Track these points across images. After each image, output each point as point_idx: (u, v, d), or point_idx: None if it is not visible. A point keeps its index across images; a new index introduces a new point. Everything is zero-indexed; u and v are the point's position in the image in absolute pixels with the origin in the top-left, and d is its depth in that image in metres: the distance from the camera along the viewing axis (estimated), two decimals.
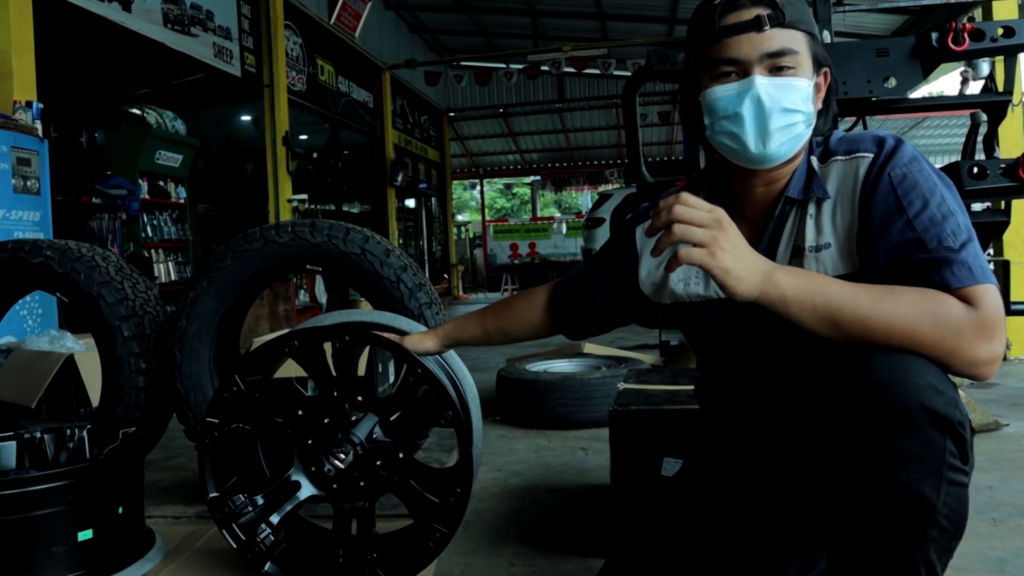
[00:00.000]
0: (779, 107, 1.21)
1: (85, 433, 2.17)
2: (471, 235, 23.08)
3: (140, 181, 7.74)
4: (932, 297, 1.06)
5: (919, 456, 0.99)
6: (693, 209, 1.08)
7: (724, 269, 1.07)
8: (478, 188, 26.46)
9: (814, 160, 1.29)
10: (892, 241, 1.14)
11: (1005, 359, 5.28)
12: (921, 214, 1.14)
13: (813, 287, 1.08)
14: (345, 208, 13.56)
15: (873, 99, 3.32)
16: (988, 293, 1.07)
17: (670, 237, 1.08)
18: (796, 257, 1.25)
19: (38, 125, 4.92)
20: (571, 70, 14.82)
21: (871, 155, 1.22)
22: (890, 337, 1.05)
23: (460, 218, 27.61)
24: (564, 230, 21.27)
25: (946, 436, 1.00)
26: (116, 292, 2.51)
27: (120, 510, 1.96)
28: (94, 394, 3.58)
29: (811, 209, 1.26)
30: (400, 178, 13.63)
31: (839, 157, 1.27)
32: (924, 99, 4.25)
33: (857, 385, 1.02)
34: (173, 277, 8.16)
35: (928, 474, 0.99)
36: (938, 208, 1.14)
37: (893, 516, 1.01)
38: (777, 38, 1.21)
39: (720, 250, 1.07)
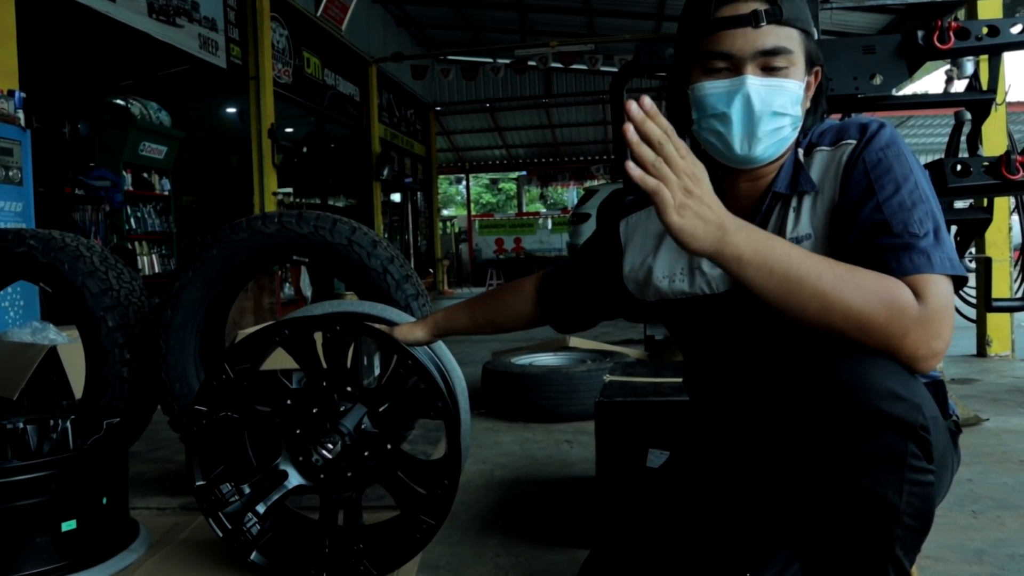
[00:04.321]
0: (768, 111, 1.20)
1: (69, 424, 2.16)
2: (457, 230, 23.05)
3: (124, 173, 7.69)
4: (891, 286, 1.06)
5: (880, 460, 1.00)
6: (677, 156, 1.04)
7: (680, 227, 1.04)
8: (464, 183, 26.44)
9: (800, 153, 1.29)
10: (861, 223, 1.15)
11: (986, 356, 5.33)
12: (892, 198, 1.14)
13: (774, 252, 1.06)
14: (331, 202, 13.51)
15: (859, 96, 3.35)
16: (939, 287, 1.07)
17: (645, 166, 1.03)
18: None
19: (20, 114, 4.86)
20: (558, 65, 14.80)
21: (854, 141, 1.22)
22: (845, 318, 1.05)
23: (446, 213, 27.56)
24: (550, 226, 21.28)
25: (908, 440, 1.00)
26: (100, 282, 2.49)
27: (104, 501, 1.96)
28: (77, 387, 3.55)
29: (794, 202, 1.26)
30: (386, 172, 13.59)
31: (824, 147, 1.26)
32: (910, 96, 4.27)
33: (824, 388, 1.03)
34: (157, 270, 8.11)
35: (889, 477, 1.01)
36: (909, 194, 1.14)
37: (858, 517, 1.03)
38: (772, 35, 1.20)
39: (686, 206, 1.04)
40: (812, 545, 1.09)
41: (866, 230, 1.14)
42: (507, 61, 14.81)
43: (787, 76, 1.21)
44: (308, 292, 9.40)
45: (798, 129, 1.26)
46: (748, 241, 1.06)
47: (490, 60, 15.51)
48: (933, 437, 1.03)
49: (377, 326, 1.69)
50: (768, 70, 1.21)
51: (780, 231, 1.26)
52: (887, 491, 1.01)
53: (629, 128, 1.01)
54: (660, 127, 1.03)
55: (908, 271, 1.08)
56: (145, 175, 8.10)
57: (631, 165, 1.02)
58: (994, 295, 4.76)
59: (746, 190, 1.32)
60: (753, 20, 1.19)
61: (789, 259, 1.06)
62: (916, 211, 1.13)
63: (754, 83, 1.20)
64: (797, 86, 1.22)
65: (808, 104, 1.29)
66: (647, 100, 1.03)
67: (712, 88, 1.23)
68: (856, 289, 1.05)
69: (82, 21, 6.56)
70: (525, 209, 26.68)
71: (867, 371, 1.02)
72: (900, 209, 1.13)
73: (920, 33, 3.21)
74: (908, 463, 1.01)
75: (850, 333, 1.05)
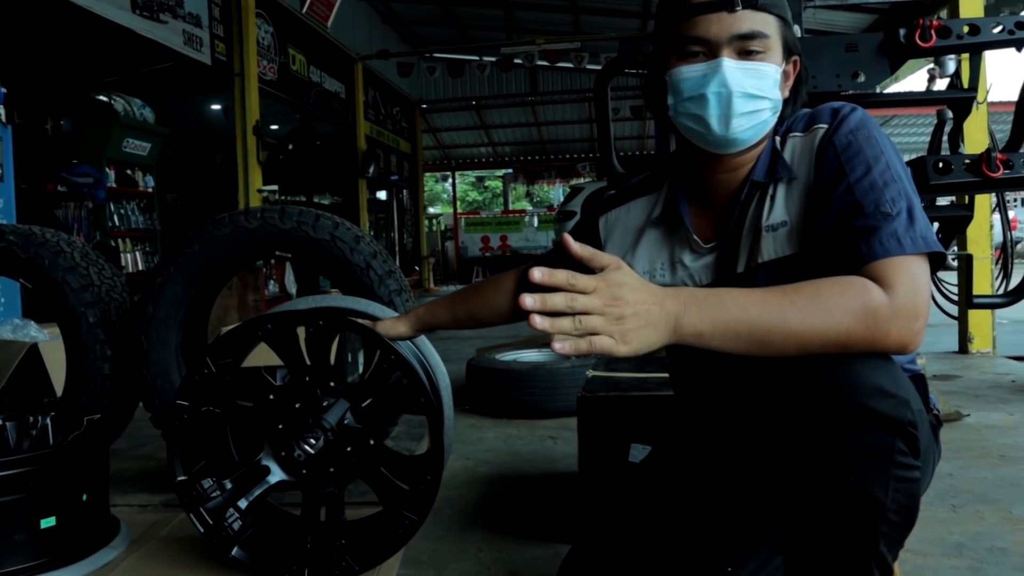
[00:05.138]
0: (745, 91, 1.21)
1: (49, 420, 2.14)
2: (443, 227, 23.01)
3: (107, 169, 7.65)
4: (857, 293, 1.04)
5: (867, 458, 1.00)
6: (582, 296, 0.97)
7: (634, 351, 1.00)
8: (450, 180, 26.40)
9: (777, 141, 1.29)
10: (834, 206, 1.15)
11: (967, 352, 5.37)
12: (862, 179, 1.14)
13: (730, 315, 1.03)
14: (316, 199, 13.48)
15: (842, 93, 3.36)
16: (910, 269, 1.07)
17: (570, 333, 0.98)
18: (756, 239, 1.25)
19: (2, 110, 4.83)
20: (544, 63, 14.82)
21: (826, 126, 1.23)
22: (826, 345, 1.03)
23: (432, 210, 27.54)
24: (536, 223, 21.27)
25: (895, 437, 1.00)
26: (81, 278, 2.48)
27: (84, 498, 1.94)
28: (58, 384, 3.53)
29: (771, 190, 1.26)
30: (372, 170, 13.55)
31: (797, 133, 1.27)
32: (892, 95, 4.30)
33: (813, 387, 1.03)
34: (140, 267, 8.07)
35: (876, 474, 1.01)
36: (881, 174, 1.14)
37: (844, 513, 1.03)
38: (748, 20, 1.20)
39: (628, 331, 0.99)
40: (796, 540, 1.10)
41: (838, 213, 1.14)
42: (493, 59, 14.80)
43: (764, 60, 1.22)
44: (293, 289, 9.37)
45: (777, 114, 1.27)
46: (701, 315, 1.03)
47: (476, 58, 15.50)
48: (920, 432, 1.03)
49: (360, 321, 1.68)
50: (744, 54, 1.21)
51: (756, 220, 1.26)
52: (873, 488, 1.01)
53: (535, 319, 0.96)
54: (559, 285, 0.97)
55: (878, 255, 1.07)
56: (129, 172, 8.05)
57: (557, 346, 0.96)
58: (975, 292, 4.81)
59: (725, 180, 1.32)
60: (728, 5, 1.19)
61: (748, 315, 1.03)
62: (888, 191, 1.13)
63: (730, 65, 1.20)
64: (774, 70, 1.23)
65: (787, 94, 1.29)
66: (534, 273, 0.97)
67: (689, 72, 1.23)
68: (826, 314, 1.03)
69: (65, 16, 6.50)
70: (511, 207, 26.69)
71: (854, 368, 1.02)
72: (871, 189, 1.13)
73: (902, 31, 3.23)
74: (895, 460, 1.01)
75: (836, 352, 1.04)
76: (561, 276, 0.97)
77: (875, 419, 1.00)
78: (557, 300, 0.97)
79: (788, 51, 1.27)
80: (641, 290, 1.01)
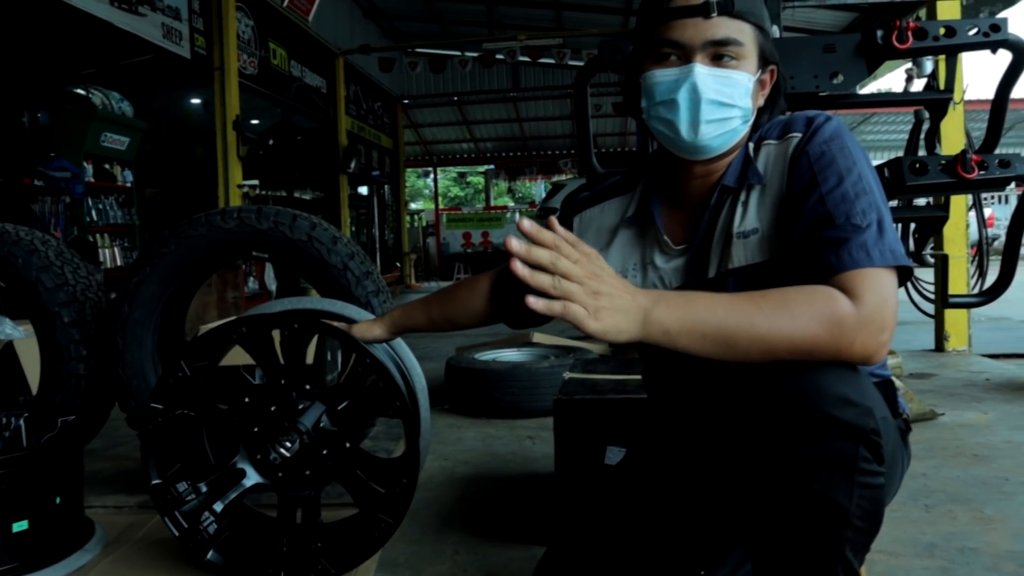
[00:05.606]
0: (715, 99, 1.21)
1: (22, 422, 2.12)
2: (424, 223, 22.96)
3: (85, 164, 7.55)
4: (824, 301, 1.05)
5: (831, 465, 1.01)
6: (565, 260, 1.00)
7: (603, 330, 1.00)
8: (432, 176, 26.33)
9: (751, 147, 1.30)
10: (805, 216, 1.16)
11: (943, 351, 5.43)
12: (834, 190, 1.15)
13: (698, 315, 1.04)
14: (297, 194, 13.39)
15: (821, 94, 3.38)
16: (877, 281, 1.08)
17: (547, 291, 0.99)
18: (727, 245, 1.26)
19: None
20: (526, 59, 14.77)
21: (800, 134, 1.24)
22: (792, 351, 1.04)
23: (413, 206, 27.49)
24: (518, 219, 21.27)
25: (859, 444, 1.01)
26: (56, 277, 2.45)
27: (57, 500, 1.93)
28: (34, 383, 3.50)
29: (743, 196, 1.27)
30: (353, 165, 13.49)
31: (771, 140, 1.28)
32: (870, 95, 4.33)
33: (777, 395, 1.04)
34: (119, 262, 7.98)
35: (840, 481, 1.02)
36: (852, 186, 1.15)
37: (809, 520, 1.04)
38: (723, 26, 1.21)
39: (601, 308, 1.00)
40: (763, 546, 1.11)
41: (809, 223, 1.15)
42: (475, 54, 14.75)
43: (737, 68, 1.23)
44: (272, 286, 9.31)
45: (749, 123, 1.27)
46: (669, 312, 1.03)
47: (458, 53, 15.46)
48: (884, 439, 1.04)
49: (335, 324, 1.68)
50: (718, 59, 1.22)
51: (728, 225, 1.27)
52: (837, 495, 1.02)
53: (517, 264, 0.97)
54: (545, 243, 0.99)
55: (847, 266, 1.08)
56: (107, 166, 7.96)
57: (532, 300, 0.97)
58: (952, 291, 4.86)
59: (698, 186, 1.33)
60: (704, 11, 1.20)
61: (716, 317, 1.04)
62: (859, 202, 1.14)
63: (702, 71, 1.21)
64: (747, 78, 1.24)
65: (763, 102, 1.30)
66: (524, 223, 1.00)
67: (661, 76, 1.24)
68: (792, 319, 1.03)
69: (41, 8, 6.42)
70: (493, 203, 26.65)
71: (818, 377, 1.03)
72: (843, 200, 1.14)
73: (879, 32, 3.25)
74: (859, 467, 1.02)
75: (801, 359, 1.05)
76: (548, 235, 0.99)
77: (838, 427, 1.01)
78: (542, 254, 0.99)
79: (764, 60, 1.27)
80: (617, 279, 1.04)
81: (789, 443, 1.03)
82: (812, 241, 1.14)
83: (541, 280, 0.98)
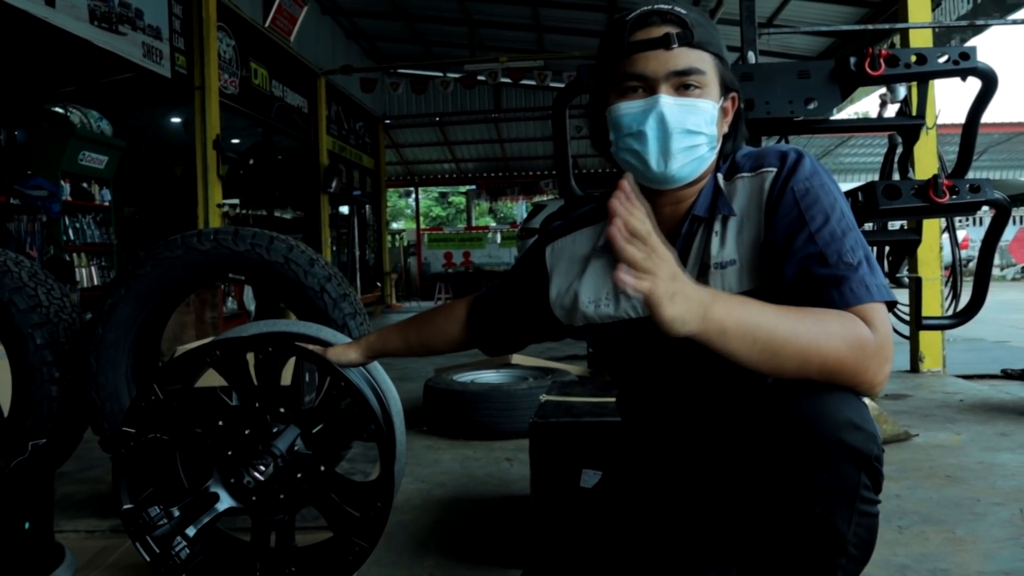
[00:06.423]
0: (682, 128, 1.23)
1: None
2: (405, 243, 22.95)
3: (62, 182, 7.50)
4: (852, 324, 1.08)
5: (834, 489, 1.03)
6: (661, 243, 1.01)
7: (673, 318, 0.99)
8: (413, 196, 26.34)
9: (720, 178, 1.31)
10: (795, 254, 1.17)
11: (918, 371, 5.48)
12: (823, 229, 1.17)
13: (753, 319, 1.04)
14: (278, 214, 13.35)
15: (795, 119, 3.43)
16: (882, 313, 1.11)
17: (636, 264, 0.99)
18: (702, 275, 1.27)
19: None
20: (507, 81, 14.90)
21: (775, 169, 1.25)
22: (822, 368, 1.05)
23: (395, 226, 27.44)
24: (499, 240, 21.32)
25: (861, 471, 1.03)
26: (29, 298, 2.43)
27: (27, 525, 1.90)
28: (6, 404, 3.46)
29: (716, 226, 1.28)
30: (334, 185, 13.48)
31: (745, 174, 1.29)
32: (843, 121, 4.40)
33: (782, 417, 1.05)
34: (96, 282, 7.91)
35: (841, 507, 1.03)
36: (838, 223, 1.18)
37: (806, 544, 1.05)
38: (684, 57, 1.23)
39: (677, 294, 1.00)
40: (755, 568, 1.11)
41: (801, 262, 1.17)
42: (457, 75, 14.82)
43: (701, 96, 1.25)
44: (251, 307, 9.26)
45: (715, 150, 1.29)
46: (729, 311, 1.04)
47: (440, 74, 15.51)
48: (881, 468, 1.06)
49: (310, 347, 1.68)
50: (682, 89, 1.24)
51: (704, 254, 1.28)
52: (837, 520, 1.03)
53: (616, 228, 0.97)
54: (636, 211, 1.00)
55: (852, 302, 1.10)
56: (85, 185, 7.91)
57: (622, 275, 0.96)
58: (925, 313, 4.91)
59: (668, 214, 1.34)
60: (665, 43, 1.22)
61: (769, 322, 1.04)
62: (847, 240, 1.16)
63: (667, 101, 1.23)
64: (711, 106, 1.26)
65: (727, 129, 1.32)
66: (627, 182, 1.00)
67: (628, 108, 1.26)
68: (828, 337, 1.05)
69: (20, 26, 6.40)
70: (474, 223, 26.68)
71: (825, 400, 1.04)
72: (832, 239, 1.16)
73: (852, 59, 3.31)
74: (860, 494, 1.04)
75: (821, 379, 1.06)
76: (640, 211, 1.00)
77: (846, 452, 1.02)
78: (639, 225, 0.99)
79: (726, 88, 1.30)
80: (679, 268, 1.03)
81: (791, 465, 1.03)
82: (806, 280, 1.15)
83: (634, 252, 0.98)
